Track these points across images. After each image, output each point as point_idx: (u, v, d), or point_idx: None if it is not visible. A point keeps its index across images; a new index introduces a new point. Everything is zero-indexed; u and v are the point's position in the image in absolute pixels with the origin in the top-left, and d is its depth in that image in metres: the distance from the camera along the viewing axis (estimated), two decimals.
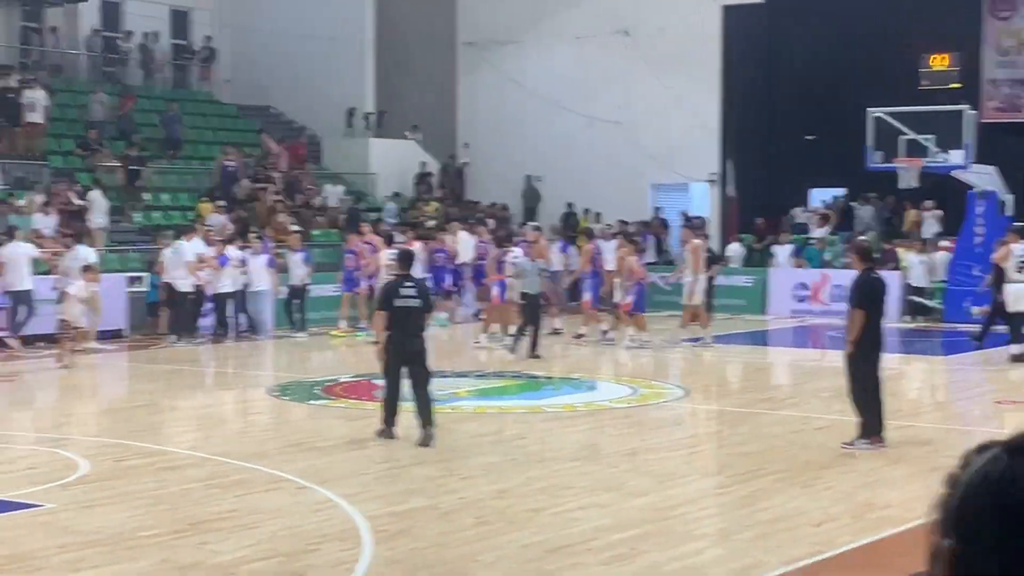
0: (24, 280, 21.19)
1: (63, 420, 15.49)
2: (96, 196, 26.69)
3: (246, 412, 16.27)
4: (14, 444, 13.29)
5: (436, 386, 17.16)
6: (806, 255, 29.76)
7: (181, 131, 32.26)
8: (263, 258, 23.83)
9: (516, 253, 23.23)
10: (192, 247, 23.14)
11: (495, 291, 23.13)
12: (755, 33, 32.73)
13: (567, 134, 34.61)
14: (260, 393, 17.16)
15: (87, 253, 22.02)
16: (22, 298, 21.37)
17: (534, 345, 20.53)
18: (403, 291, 13.01)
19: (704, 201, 33.54)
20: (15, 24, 32.80)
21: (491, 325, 23.18)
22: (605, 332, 23.00)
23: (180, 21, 36.86)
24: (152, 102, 33.56)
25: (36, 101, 28.69)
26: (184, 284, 22.89)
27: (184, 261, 22.85)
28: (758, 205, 32.66)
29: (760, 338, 25.74)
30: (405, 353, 12.91)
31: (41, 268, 22.29)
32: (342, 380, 18.14)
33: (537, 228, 27.55)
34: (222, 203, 28.18)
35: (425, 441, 12.79)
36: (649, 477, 11.56)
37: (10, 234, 22.13)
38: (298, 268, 24.58)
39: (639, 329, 22.31)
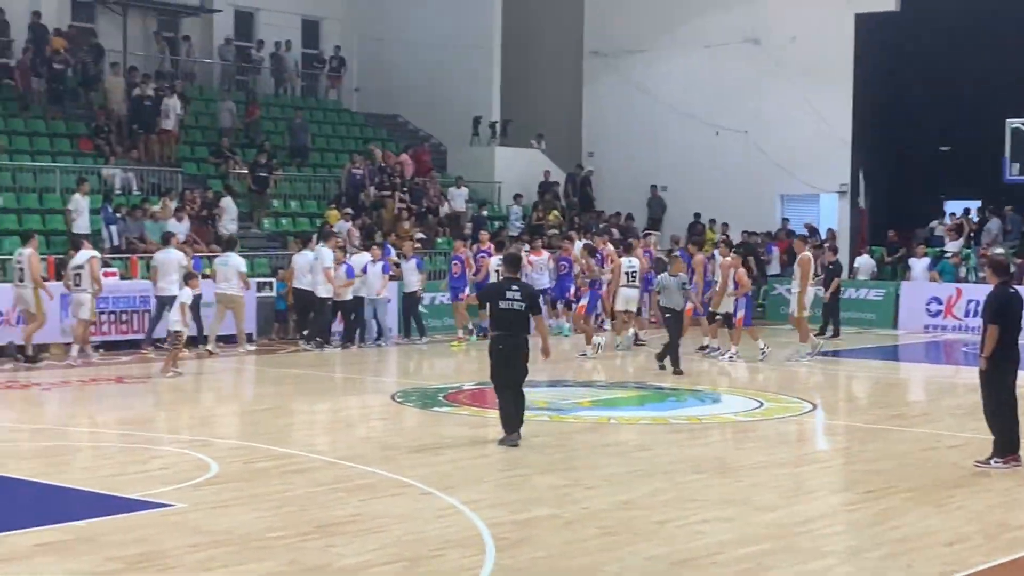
0: (173, 286, 21.72)
1: (195, 422, 15.77)
2: (227, 202, 27.19)
3: (371, 417, 16.39)
4: (149, 445, 13.56)
5: (560, 395, 17.28)
6: (940, 268, 29.12)
7: (309, 139, 32.72)
8: (380, 265, 23.98)
9: (632, 264, 23.16)
10: (331, 254, 23.40)
11: (583, 301, 23.12)
12: (889, 41, 32.16)
13: (694, 143, 34.37)
14: (384, 399, 17.29)
15: (238, 262, 22.52)
16: (169, 303, 21.86)
17: (674, 360, 19.94)
18: (508, 293, 13.30)
19: (833, 212, 33.02)
20: (151, 33, 33.57)
21: (620, 331, 23.18)
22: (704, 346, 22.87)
23: (311, 31, 37.41)
24: (283, 110, 34.12)
25: (171, 109, 29.33)
26: (324, 290, 23.17)
27: (324, 267, 23.14)
28: (890, 217, 32.09)
29: (891, 353, 25.24)
30: (508, 353, 13.25)
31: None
32: (465, 388, 18.23)
33: (644, 236, 27.37)
34: (349, 210, 28.51)
35: (510, 443, 13.32)
36: (776, 492, 11.39)
37: (166, 240, 22.74)
38: (412, 275, 24.72)
39: (754, 340, 22.04)
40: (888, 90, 32.67)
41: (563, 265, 25.60)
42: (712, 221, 33.12)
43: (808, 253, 22.74)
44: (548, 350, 13.99)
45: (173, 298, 21.46)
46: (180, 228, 25.50)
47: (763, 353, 21.80)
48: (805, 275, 22.14)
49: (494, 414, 15.27)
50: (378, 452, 13.27)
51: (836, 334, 26.30)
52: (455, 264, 25.09)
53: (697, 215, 33.54)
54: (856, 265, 30.21)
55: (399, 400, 16.98)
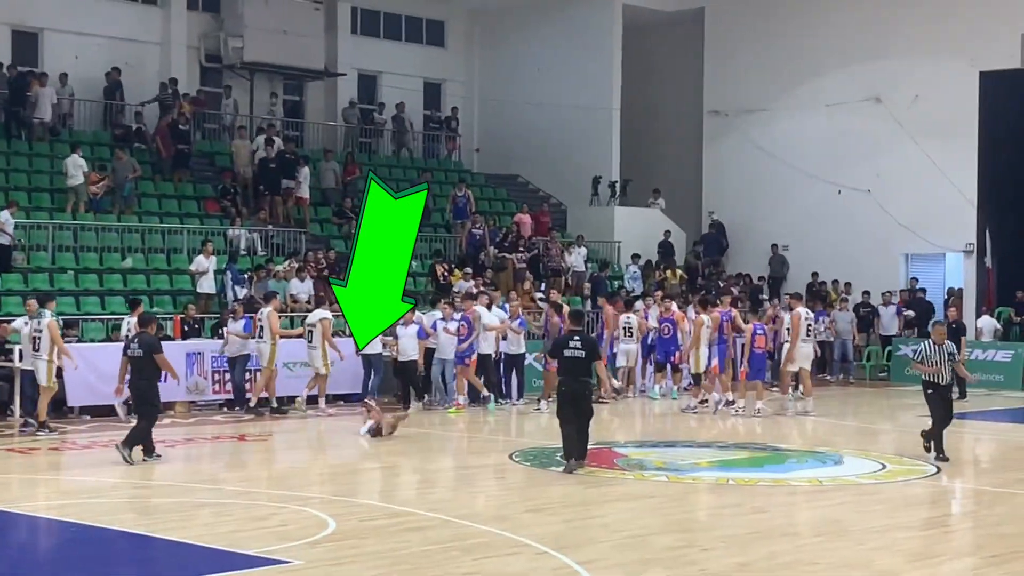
0: (374, 344, 22.11)
1: (314, 479, 15.93)
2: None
3: (488, 476, 16.41)
4: (268, 502, 13.73)
5: (678, 456, 17.16)
6: None
7: (431, 200, 33.02)
8: (454, 324, 23.77)
9: (629, 320, 24.50)
10: (496, 312, 23.86)
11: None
12: (1014, 99, 31.58)
13: (815, 202, 34.10)
14: (502, 458, 17.28)
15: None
16: (373, 361, 22.63)
17: (938, 444, 17.06)
18: (571, 343, 15.61)
19: (959, 272, 32.44)
20: (278, 97, 34.29)
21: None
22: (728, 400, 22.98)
23: (433, 93, 37.95)
24: (404, 172, 34.56)
25: (304, 176, 29.92)
26: (488, 347, 23.38)
27: (503, 321, 23.70)
28: (1018, 276, 31.38)
29: (1019, 416, 24.60)
30: (571, 394, 15.55)
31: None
32: None
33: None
34: (468, 270, 28.70)
35: (570, 470, 15.33)
36: (899, 556, 11.16)
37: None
38: (513, 336, 24.58)
39: (757, 397, 22.56)
40: (1014, 148, 32.02)
41: (667, 327, 25.15)
42: (835, 281, 32.74)
43: (801, 309, 22.96)
44: (607, 387, 17.99)
45: (378, 355, 22.65)
46: (303, 288, 25.92)
47: (713, 405, 22.58)
48: (795, 330, 22.61)
49: (611, 474, 15.34)
50: (494, 511, 13.28)
51: (962, 395, 25.73)
52: (462, 326, 23.10)
53: (815, 274, 33.22)
54: (979, 326, 29.60)
55: (516, 459, 16.97)
